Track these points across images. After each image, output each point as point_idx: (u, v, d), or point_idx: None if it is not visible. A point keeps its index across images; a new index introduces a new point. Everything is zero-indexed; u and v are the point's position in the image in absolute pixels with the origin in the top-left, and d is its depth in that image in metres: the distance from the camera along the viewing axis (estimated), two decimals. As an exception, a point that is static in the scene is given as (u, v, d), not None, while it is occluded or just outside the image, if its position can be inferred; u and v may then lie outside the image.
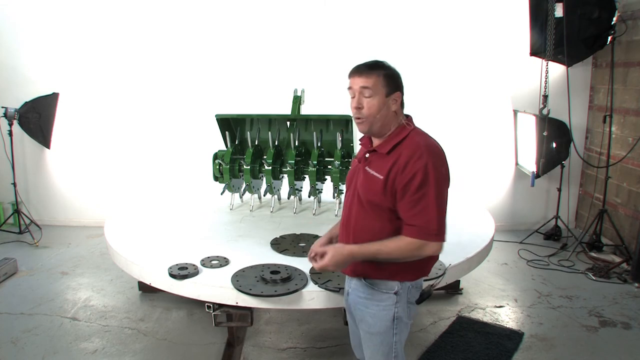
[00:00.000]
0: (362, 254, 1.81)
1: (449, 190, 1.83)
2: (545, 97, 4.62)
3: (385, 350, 1.92)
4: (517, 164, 5.30)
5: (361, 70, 1.80)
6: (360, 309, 1.94)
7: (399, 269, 1.84)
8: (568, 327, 3.39)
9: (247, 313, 2.51)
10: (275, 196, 3.72)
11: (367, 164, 1.87)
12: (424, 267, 1.92)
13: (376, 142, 1.89)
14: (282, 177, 3.72)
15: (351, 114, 1.86)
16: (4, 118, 4.77)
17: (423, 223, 1.73)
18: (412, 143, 1.78)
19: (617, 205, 4.73)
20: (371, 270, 1.87)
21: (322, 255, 1.81)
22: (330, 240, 2.04)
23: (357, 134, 2.82)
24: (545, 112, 4.62)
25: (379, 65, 1.80)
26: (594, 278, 4.15)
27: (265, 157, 3.63)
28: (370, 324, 1.92)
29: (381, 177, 1.79)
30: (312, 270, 2.48)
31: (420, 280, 1.94)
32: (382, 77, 1.78)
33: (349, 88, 1.83)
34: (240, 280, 2.39)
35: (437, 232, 1.74)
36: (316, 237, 2.93)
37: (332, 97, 4.49)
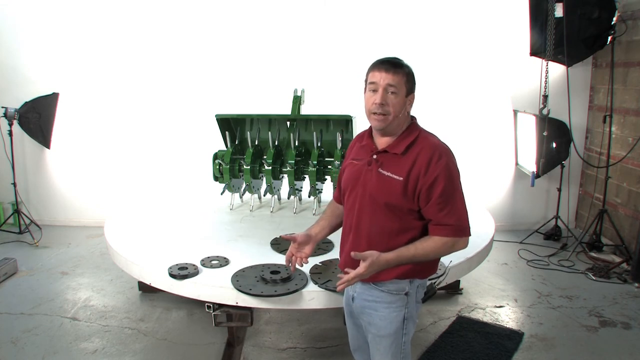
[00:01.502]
0: (398, 261, 1.78)
1: None
2: (545, 97, 4.62)
3: (395, 351, 1.90)
4: (517, 164, 5.30)
5: (388, 67, 1.76)
6: (368, 313, 1.91)
7: (409, 269, 1.83)
8: (568, 327, 3.39)
9: (247, 313, 2.51)
10: (275, 196, 3.72)
11: (379, 165, 1.83)
12: (434, 265, 1.95)
13: (382, 142, 1.85)
14: (282, 177, 3.72)
15: (365, 110, 1.82)
16: (4, 118, 4.77)
17: (456, 222, 1.77)
18: (428, 144, 1.80)
19: (617, 205, 4.73)
20: (381, 273, 1.82)
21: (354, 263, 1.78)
22: (310, 239, 2.02)
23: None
24: (545, 112, 4.62)
25: (402, 64, 1.80)
26: (594, 278, 4.15)
27: (265, 157, 3.63)
28: (380, 327, 1.89)
29: (400, 179, 1.77)
30: (312, 270, 2.49)
31: (427, 278, 1.97)
32: (406, 77, 1.78)
33: (371, 82, 1.78)
34: (240, 280, 2.39)
35: (468, 228, 1.81)
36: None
37: (332, 97, 4.51)
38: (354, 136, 2.11)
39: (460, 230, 1.78)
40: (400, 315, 1.87)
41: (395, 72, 1.76)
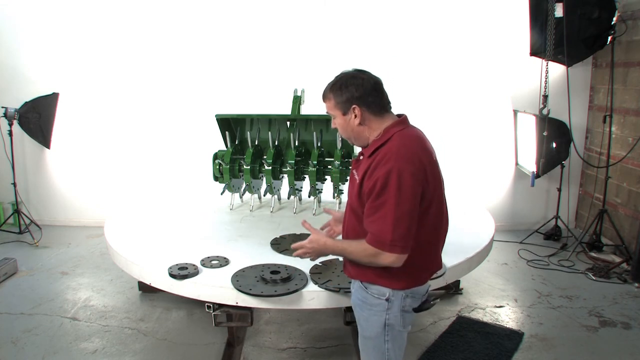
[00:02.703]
0: (333, 249, 1.90)
1: (443, 192, 1.87)
2: (545, 97, 4.62)
3: (377, 356, 1.91)
4: (517, 164, 5.30)
5: (322, 96, 1.87)
6: (356, 311, 1.97)
7: (385, 274, 1.80)
8: (568, 327, 3.39)
9: (247, 313, 2.51)
10: (275, 196, 3.72)
11: (356, 167, 1.89)
12: (416, 276, 1.86)
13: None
14: (282, 177, 3.72)
15: None
16: (4, 118, 4.77)
17: (377, 231, 1.70)
18: (387, 147, 1.74)
19: (617, 205, 4.73)
20: (362, 274, 1.87)
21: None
22: (337, 221, 2.16)
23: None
24: (545, 112, 4.62)
25: (330, 88, 1.84)
26: (594, 278, 4.15)
27: (265, 157, 3.63)
28: (363, 327, 1.94)
29: (358, 181, 1.81)
30: (312, 270, 2.49)
31: (419, 289, 1.88)
32: (332, 101, 1.83)
33: None
34: (240, 280, 2.39)
35: (391, 243, 1.67)
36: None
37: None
38: None
39: (380, 242, 1.69)
40: (380, 320, 1.85)
41: (325, 100, 1.86)
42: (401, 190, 1.65)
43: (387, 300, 1.84)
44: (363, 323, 1.93)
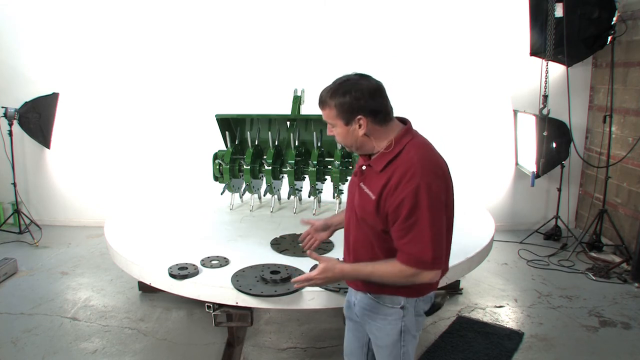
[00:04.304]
0: (354, 275, 1.75)
1: (455, 200, 1.74)
2: (545, 97, 4.62)
3: None
4: (517, 164, 5.30)
5: (319, 102, 1.71)
6: (367, 322, 1.90)
7: (401, 286, 1.75)
8: (568, 327, 3.39)
9: (247, 313, 2.51)
10: (275, 196, 3.72)
11: (362, 179, 1.77)
12: (431, 283, 1.80)
13: (373, 155, 1.77)
14: (282, 177, 3.72)
15: None
16: (4, 118, 4.77)
17: (416, 252, 1.61)
18: (405, 160, 1.64)
19: (617, 205, 4.73)
20: (374, 287, 1.78)
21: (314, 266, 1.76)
22: (328, 227, 2.07)
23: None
24: (545, 112, 4.62)
25: (333, 94, 1.66)
26: (594, 278, 4.15)
27: (265, 157, 3.63)
28: (377, 337, 1.88)
29: (373, 198, 1.67)
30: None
31: (429, 294, 1.86)
32: (334, 109, 1.66)
33: None
34: (240, 280, 2.39)
35: (432, 261, 1.62)
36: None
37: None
38: None
39: (421, 262, 1.62)
40: (396, 328, 1.81)
41: (324, 107, 1.70)
42: (432, 207, 1.59)
43: (402, 308, 1.79)
44: (377, 333, 1.86)
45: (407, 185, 1.58)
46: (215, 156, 3.68)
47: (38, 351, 3.06)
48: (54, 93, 5.08)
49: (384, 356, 1.89)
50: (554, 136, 4.68)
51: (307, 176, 3.63)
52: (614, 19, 4.36)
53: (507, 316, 3.56)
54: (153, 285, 2.58)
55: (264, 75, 5.00)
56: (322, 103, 1.71)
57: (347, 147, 1.77)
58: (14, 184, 4.99)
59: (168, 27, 5.01)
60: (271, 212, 3.67)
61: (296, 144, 3.59)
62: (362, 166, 1.79)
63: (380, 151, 1.71)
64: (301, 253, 2.74)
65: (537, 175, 4.79)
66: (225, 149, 3.74)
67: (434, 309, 1.90)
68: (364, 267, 1.73)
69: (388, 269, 1.68)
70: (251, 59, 5.03)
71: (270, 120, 3.79)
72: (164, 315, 3.53)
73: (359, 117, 1.65)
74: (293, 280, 1.81)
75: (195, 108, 5.03)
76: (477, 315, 3.56)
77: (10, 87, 5.03)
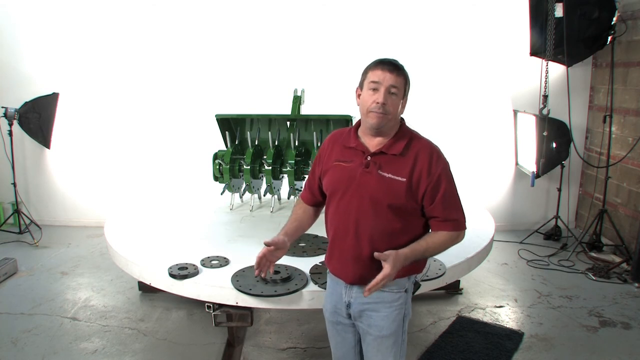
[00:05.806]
0: (414, 256, 1.82)
1: None
2: (545, 97, 4.62)
3: (396, 350, 1.91)
4: (517, 164, 5.30)
5: (392, 68, 1.77)
6: (368, 315, 1.89)
7: (411, 266, 1.85)
8: (568, 327, 3.39)
9: (247, 313, 2.51)
10: (275, 196, 3.72)
11: (378, 167, 1.80)
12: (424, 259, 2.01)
13: (374, 143, 1.83)
14: (282, 177, 3.72)
15: (361, 110, 1.83)
16: (4, 118, 4.77)
17: (457, 217, 1.86)
18: (424, 144, 1.84)
19: (617, 205, 4.73)
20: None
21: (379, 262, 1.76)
22: (285, 244, 1.94)
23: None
24: (545, 112, 4.62)
25: (402, 67, 1.82)
26: (594, 278, 4.15)
27: (265, 157, 3.63)
28: (382, 327, 1.88)
29: (403, 180, 1.78)
30: (312, 270, 2.49)
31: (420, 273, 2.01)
32: (405, 80, 1.81)
33: (373, 81, 1.76)
34: (240, 280, 2.39)
35: (465, 221, 1.90)
36: (316, 237, 2.96)
37: (332, 97, 4.50)
38: None
39: (462, 224, 1.88)
40: (401, 314, 1.90)
41: (398, 73, 1.78)
42: (453, 179, 1.88)
43: (405, 291, 1.90)
44: (381, 323, 1.87)
45: (438, 165, 1.80)
46: (215, 156, 3.68)
47: (38, 351, 3.05)
48: (54, 93, 5.08)
49: (388, 346, 1.90)
50: (554, 136, 4.68)
51: (306, 176, 3.62)
52: (614, 19, 4.36)
53: (507, 316, 3.56)
54: (153, 285, 2.59)
55: (264, 75, 5.00)
56: (398, 69, 1.79)
57: (382, 119, 1.77)
58: (14, 184, 4.99)
59: (168, 27, 5.01)
60: (271, 212, 3.67)
61: (296, 144, 3.59)
62: (367, 156, 1.83)
63: (391, 136, 1.84)
64: (301, 253, 2.75)
65: (537, 175, 4.79)
66: (225, 149, 3.74)
67: (416, 287, 2.00)
68: (419, 246, 1.84)
69: (440, 239, 1.85)
70: (251, 59, 5.03)
71: (270, 120, 3.79)
72: (164, 315, 3.53)
73: (406, 98, 1.85)
74: (368, 288, 1.75)
75: (195, 108, 5.03)
76: (477, 315, 3.56)
77: (11, 87, 5.03)
